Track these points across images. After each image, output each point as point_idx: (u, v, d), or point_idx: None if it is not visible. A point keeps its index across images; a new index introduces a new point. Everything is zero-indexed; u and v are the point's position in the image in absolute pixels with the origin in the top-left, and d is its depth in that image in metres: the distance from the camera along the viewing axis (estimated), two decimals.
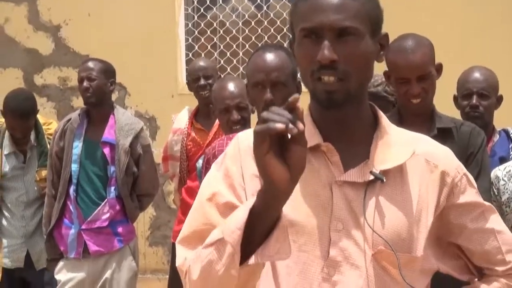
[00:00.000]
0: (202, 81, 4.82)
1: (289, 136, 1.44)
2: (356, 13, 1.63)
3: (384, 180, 1.64)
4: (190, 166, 4.76)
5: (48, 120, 5.10)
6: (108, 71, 4.48)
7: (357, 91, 1.66)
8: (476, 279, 1.84)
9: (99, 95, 4.42)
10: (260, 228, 1.51)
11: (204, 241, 1.59)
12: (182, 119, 4.94)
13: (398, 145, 1.71)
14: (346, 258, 1.63)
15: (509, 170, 3.12)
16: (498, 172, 3.15)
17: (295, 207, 1.62)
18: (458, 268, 1.83)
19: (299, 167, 1.46)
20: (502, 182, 3.11)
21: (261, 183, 1.49)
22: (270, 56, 2.82)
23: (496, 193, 3.10)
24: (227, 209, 1.64)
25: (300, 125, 1.42)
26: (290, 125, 1.41)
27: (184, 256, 1.65)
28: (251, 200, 1.52)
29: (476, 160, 2.99)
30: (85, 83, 4.41)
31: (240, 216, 1.51)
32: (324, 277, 1.63)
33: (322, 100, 1.65)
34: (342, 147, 1.68)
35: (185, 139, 4.82)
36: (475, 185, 1.82)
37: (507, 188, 3.09)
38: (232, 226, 1.50)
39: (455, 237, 1.79)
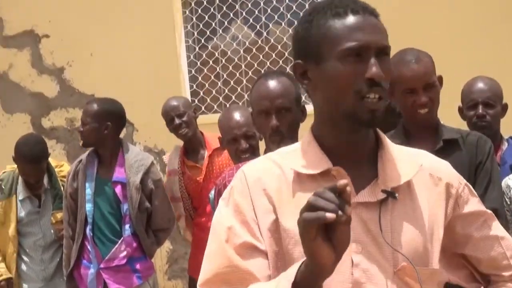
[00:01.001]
0: (176, 121, 4.84)
1: None
2: (386, 33, 1.69)
3: (397, 197, 1.65)
4: (194, 204, 4.80)
5: (60, 163, 5.13)
6: (102, 114, 4.46)
7: None
8: (482, 287, 1.87)
9: (91, 139, 4.49)
10: None
11: (229, 283, 1.62)
12: (173, 160, 4.97)
13: (402, 161, 1.73)
14: (369, 279, 1.64)
15: None
16: (509, 181, 3.15)
17: None
18: (465, 278, 1.86)
19: (345, 247, 1.46)
20: None
21: (306, 262, 1.49)
22: (273, 83, 2.84)
23: (508, 202, 3.11)
24: (245, 249, 1.65)
25: (349, 210, 1.42)
26: (340, 212, 1.41)
27: None
28: (291, 273, 1.52)
29: (485, 168, 2.99)
30: (81, 127, 4.54)
31: None
32: None
33: (365, 120, 1.66)
34: (350, 169, 1.68)
35: (182, 178, 4.85)
36: (476, 194, 1.85)
37: None
38: None
39: (462, 247, 1.81)
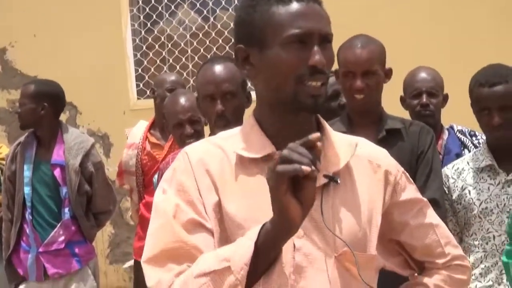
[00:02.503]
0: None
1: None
2: (329, 20, 1.70)
3: (339, 181, 1.65)
4: (147, 181, 4.74)
5: None
6: (39, 95, 4.42)
7: None
8: (416, 274, 1.89)
9: (28, 120, 4.44)
10: (264, 261, 1.55)
11: (176, 259, 1.61)
12: (136, 133, 4.90)
13: (341, 146, 1.75)
14: (310, 263, 1.65)
15: (457, 168, 3.18)
16: (447, 170, 3.20)
17: (256, 219, 1.61)
18: (400, 264, 1.88)
19: (310, 203, 1.49)
20: (451, 180, 3.17)
21: (273, 219, 1.51)
22: (219, 68, 2.83)
23: (447, 192, 3.16)
24: (192, 225, 1.64)
25: (319, 166, 1.46)
26: (313, 167, 1.44)
27: (157, 277, 1.63)
28: (253, 233, 1.54)
29: (426, 158, 3.02)
30: (18, 109, 4.50)
31: (245, 251, 1.52)
32: (292, 284, 1.63)
33: (308, 105, 1.67)
34: None
35: (140, 153, 4.79)
36: (412, 181, 1.87)
37: (456, 186, 3.14)
38: (240, 262, 1.52)
39: (397, 234, 1.84)
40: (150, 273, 1.65)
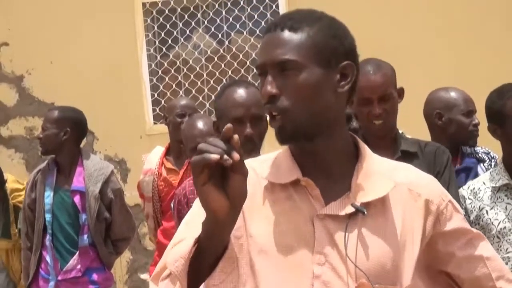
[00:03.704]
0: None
1: (229, 165, 1.48)
2: (298, 46, 1.65)
3: (365, 213, 1.63)
4: (163, 207, 4.75)
5: (20, 187, 5.07)
6: (62, 120, 4.47)
7: (311, 123, 1.66)
8: None
9: (49, 145, 4.47)
10: (208, 258, 1.56)
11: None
12: (152, 159, 4.92)
13: (379, 175, 1.71)
14: None
15: (473, 188, 3.16)
16: (463, 191, 3.18)
17: (278, 243, 1.62)
18: None
19: (239, 195, 1.51)
20: (468, 201, 3.15)
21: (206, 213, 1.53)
22: (247, 91, 2.82)
23: (464, 213, 3.14)
24: None
25: (236, 155, 1.47)
26: (225, 156, 1.46)
27: None
28: (197, 232, 1.56)
29: (443, 179, 2.99)
30: (40, 134, 4.53)
31: (185, 245, 1.55)
32: None
33: (276, 135, 1.69)
34: (322, 181, 1.67)
35: (156, 179, 4.81)
36: (462, 211, 1.81)
37: (474, 206, 3.12)
38: (176, 256, 1.55)
39: (445, 265, 1.76)
40: None
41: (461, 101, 3.82)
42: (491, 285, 1.78)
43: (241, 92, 2.83)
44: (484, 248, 1.79)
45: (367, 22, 6.20)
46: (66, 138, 4.43)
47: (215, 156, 1.45)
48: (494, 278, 1.78)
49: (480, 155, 3.78)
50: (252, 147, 2.75)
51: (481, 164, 3.73)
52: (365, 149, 1.75)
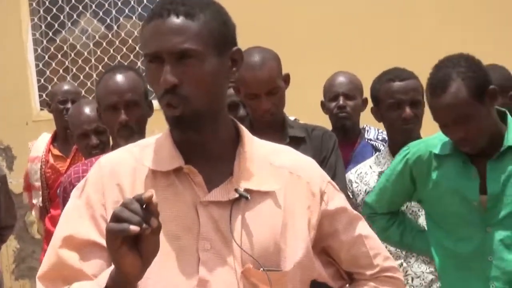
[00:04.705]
0: (69, 105, 4.70)
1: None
2: (197, 34, 1.62)
3: (249, 198, 1.65)
4: (51, 194, 4.67)
5: None
6: None
7: (208, 111, 1.66)
8: (347, 285, 1.86)
9: None
10: None
11: (64, 279, 1.60)
12: (39, 146, 4.82)
13: (260, 161, 1.72)
14: (215, 277, 1.62)
15: (360, 172, 3.25)
16: (350, 175, 3.27)
17: (162, 231, 1.57)
18: (332, 275, 1.83)
19: (152, 254, 1.48)
20: (355, 185, 3.24)
21: (116, 270, 1.50)
22: (121, 77, 2.81)
23: (351, 196, 3.22)
24: (86, 247, 1.64)
25: (154, 222, 1.42)
26: (144, 225, 1.41)
27: None
28: (103, 278, 1.54)
29: (329, 164, 3.02)
30: None
31: None
32: None
33: (171, 124, 1.66)
34: (205, 167, 1.67)
35: (44, 167, 4.72)
36: (341, 192, 1.84)
37: (360, 190, 3.21)
38: None
39: (328, 244, 1.79)
40: None
41: (330, 86, 3.87)
42: (368, 262, 1.83)
43: (116, 79, 2.82)
44: (363, 227, 1.85)
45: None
46: None
47: (135, 228, 1.40)
48: (372, 255, 1.83)
49: (376, 143, 3.81)
50: (129, 132, 2.74)
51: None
52: (245, 133, 1.76)
